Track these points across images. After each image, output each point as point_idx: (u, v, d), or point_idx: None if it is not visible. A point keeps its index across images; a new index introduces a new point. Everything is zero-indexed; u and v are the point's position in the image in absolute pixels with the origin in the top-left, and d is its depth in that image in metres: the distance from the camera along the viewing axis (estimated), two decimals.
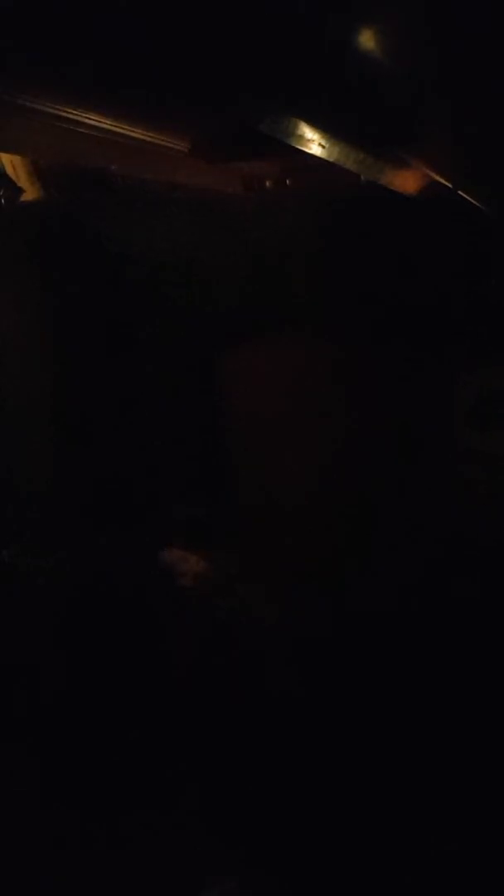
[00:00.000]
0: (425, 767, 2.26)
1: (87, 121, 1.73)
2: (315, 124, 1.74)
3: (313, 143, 1.81)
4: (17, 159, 2.33)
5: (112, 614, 2.46)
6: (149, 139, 1.93)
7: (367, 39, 1.28)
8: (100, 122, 1.76)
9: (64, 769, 2.21)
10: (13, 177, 2.35)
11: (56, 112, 1.66)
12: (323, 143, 1.83)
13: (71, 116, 1.69)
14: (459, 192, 2.30)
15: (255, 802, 2.21)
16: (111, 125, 1.79)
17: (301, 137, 1.76)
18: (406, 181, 2.45)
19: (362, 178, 2.32)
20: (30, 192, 2.40)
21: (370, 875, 2.05)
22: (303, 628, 2.60)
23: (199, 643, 2.52)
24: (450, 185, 2.25)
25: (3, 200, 2.34)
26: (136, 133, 1.88)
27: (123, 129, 1.83)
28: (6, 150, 2.25)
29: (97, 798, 2.17)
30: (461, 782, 2.25)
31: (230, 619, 2.61)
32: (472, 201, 2.37)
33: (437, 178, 2.24)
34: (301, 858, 2.10)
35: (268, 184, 2.66)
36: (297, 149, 1.80)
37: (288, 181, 2.64)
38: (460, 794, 2.23)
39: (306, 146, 1.80)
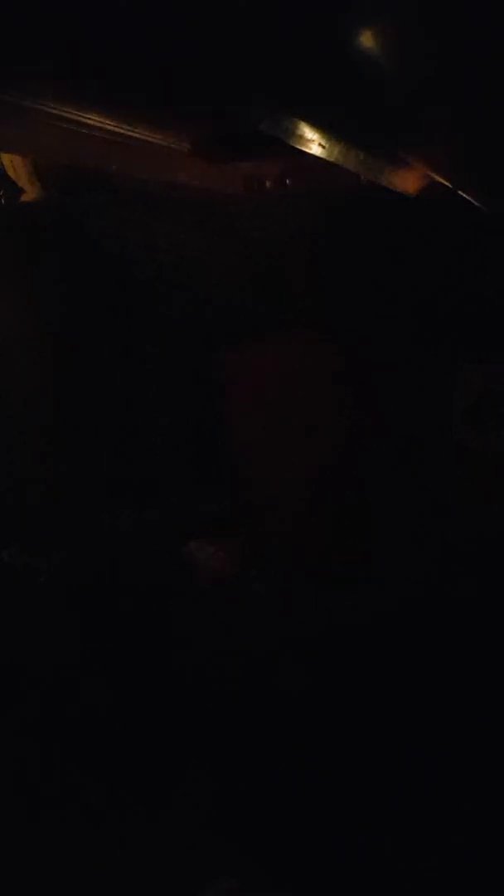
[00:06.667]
0: (427, 766, 2.26)
1: (87, 121, 1.73)
2: (315, 124, 1.74)
3: (313, 143, 1.81)
4: (17, 159, 2.33)
5: (120, 607, 2.47)
6: (149, 139, 1.93)
7: (367, 39, 1.28)
8: (100, 122, 1.76)
9: (66, 768, 2.21)
10: (13, 177, 2.35)
11: (56, 112, 1.66)
12: (323, 143, 1.83)
13: (71, 116, 1.69)
14: (459, 192, 2.29)
15: (257, 801, 2.22)
16: (111, 125, 1.79)
17: (301, 137, 1.76)
18: (406, 181, 2.45)
19: (362, 178, 2.32)
20: (30, 192, 2.40)
21: (371, 875, 2.05)
22: (308, 624, 2.61)
23: (209, 637, 2.52)
24: (450, 185, 2.25)
25: (3, 200, 2.34)
26: (136, 133, 1.87)
27: (123, 129, 1.83)
28: (6, 150, 2.25)
29: (99, 796, 2.17)
30: (462, 780, 2.25)
31: (242, 612, 2.61)
32: (472, 201, 2.37)
33: (437, 178, 2.24)
34: (302, 858, 2.10)
35: (268, 184, 2.66)
36: (297, 149, 1.80)
37: (288, 181, 2.64)
38: (461, 792, 2.23)
39: (306, 146, 1.80)
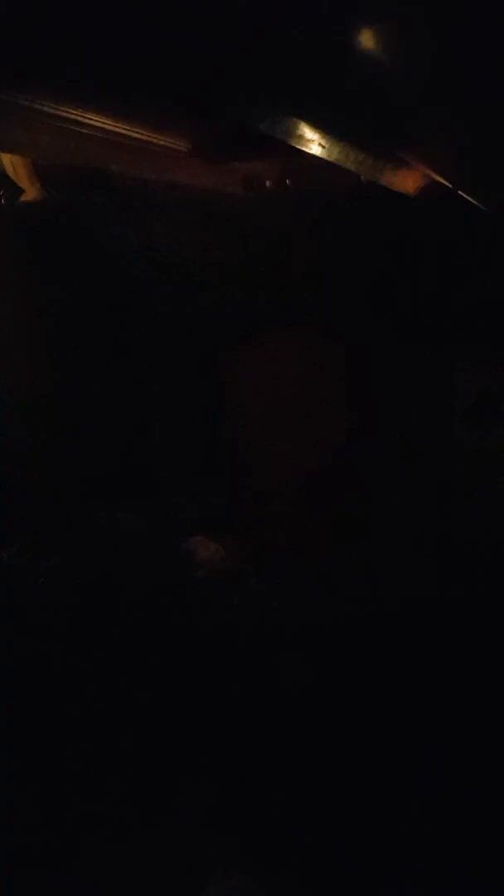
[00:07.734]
0: (428, 765, 2.26)
1: (87, 121, 1.73)
2: (315, 124, 1.74)
3: (313, 143, 1.81)
4: (17, 159, 2.33)
5: (120, 604, 2.47)
6: (149, 139, 1.93)
7: (367, 40, 1.28)
8: (100, 122, 1.76)
9: (67, 767, 2.21)
10: (13, 177, 2.35)
11: (56, 112, 1.66)
12: (323, 143, 1.83)
13: (71, 116, 1.69)
14: (459, 192, 2.30)
15: (259, 800, 2.22)
16: (111, 125, 1.79)
17: (301, 137, 1.76)
18: (406, 181, 2.45)
19: (362, 178, 2.32)
20: (30, 192, 2.40)
21: (371, 875, 2.05)
22: (308, 622, 2.61)
23: (209, 634, 2.52)
24: (450, 185, 2.25)
25: (3, 200, 2.34)
26: (136, 133, 1.88)
27: (123, 129, 1.83)
28: (6, 150, 2.25)
29: (100, 795, 2.17)
30: (463, 780, 2.25)
31: (241, 609, 2.61)
32: (472, 201, 2.38)
33: (437, 178, 2.24)
34: (303, 858, 2.10)
35: (268, 184, 2.66)
36: (297, 149, 1.80)
37: (288, 181, 2.64)
38: (462, 792, 2.23)
39: (306, 146, 1.81)
